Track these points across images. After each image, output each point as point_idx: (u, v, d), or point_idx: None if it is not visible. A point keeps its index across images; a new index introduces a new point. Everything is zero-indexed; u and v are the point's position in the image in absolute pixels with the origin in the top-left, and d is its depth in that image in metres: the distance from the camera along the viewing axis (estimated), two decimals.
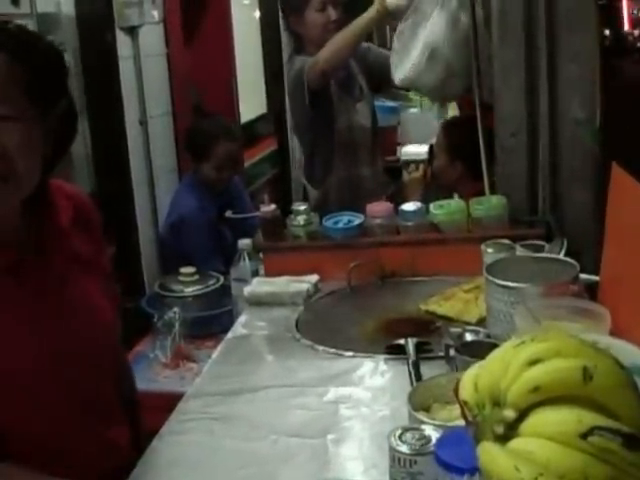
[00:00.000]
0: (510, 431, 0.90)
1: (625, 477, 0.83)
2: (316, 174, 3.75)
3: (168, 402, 2.38)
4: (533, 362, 0.91)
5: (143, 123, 3.60)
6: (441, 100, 3.37)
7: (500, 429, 0.90)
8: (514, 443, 0.89)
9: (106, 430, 1.53)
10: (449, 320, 2.11)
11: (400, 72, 2.87)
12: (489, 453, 0.88)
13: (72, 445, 1.45)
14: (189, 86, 3.88)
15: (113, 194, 3.40)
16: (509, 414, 0.90)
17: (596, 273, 1.85)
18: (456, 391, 1.06)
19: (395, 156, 4.75)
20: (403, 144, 4.67)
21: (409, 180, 3.42)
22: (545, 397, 0.89)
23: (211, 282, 3.22)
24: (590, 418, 0.85)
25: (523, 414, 0.90)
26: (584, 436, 0.84)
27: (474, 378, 0.99)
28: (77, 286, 1.49)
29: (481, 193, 2.56)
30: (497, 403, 0.94)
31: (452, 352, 1.72)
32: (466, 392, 0.99)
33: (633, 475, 0.83)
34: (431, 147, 3.44)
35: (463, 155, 3.14)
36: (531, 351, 0.93)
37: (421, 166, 3.45)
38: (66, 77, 1.42)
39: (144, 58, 3.65)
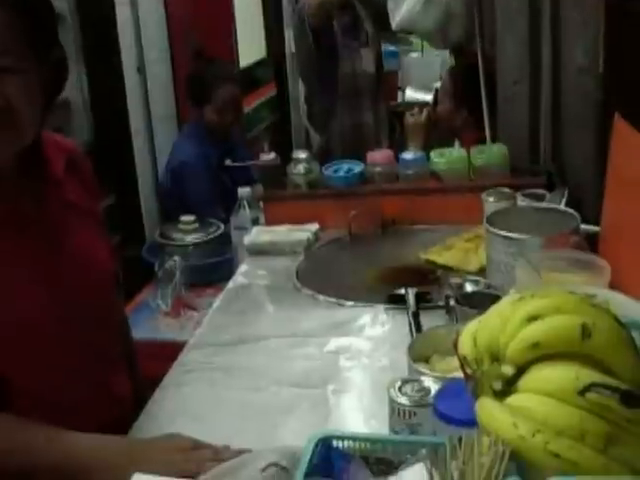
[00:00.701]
0: (508, 387, 0.91)
1: (622, 433, 0.84)
2: (319, 120, 3.74)
3: (170, 351, 2.40)
4: (532, 318, 0.92)
5: (141, 70, 3.56)
6: (442, 46, 3.33)
7: (498, 385, 0.91)
8: (512, 399, 0.89)
9: (108, 380, 1.54)
10: (449, 269, 2.11)
11: (397, 16, 2.84)
12: (487, 409, 0.89)
13: (74, 395, 1.46)
14: (187, 31, 3.83)
15: (111, 142, 3.38)
16: (507, 370, 0.91)
17: (597, 221, 1.85)
18: (455, 345, 1.06)
19: (396, 101, 4.72)
20: (404, 88, 4.64)
21: (412, 124, 3.40)
22: (543, 353, 0.90)
23: (211, 230, 3.21)
24: (588, 375, 0.86)
25: (521, 370, 0.91)
26: (582, 393, 0.85)
27: (473, 333, 1.00)
28: (75, 234, 1.50)
29: (483, 142, 2.54)
30: (496, 358, 0.94)
31: (452, 302, 1.73)
32: (465, 347, 1.00)
33: (629, 431, 0.84)
34: (436, 91, 3.43)
35: (469, 102, 3.12)
36: (530, 307, 0.93)
37: (424, 110, 3.43)
38: (57, 24, 1.41)
39: (141, 3, 3.59)
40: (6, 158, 1.38)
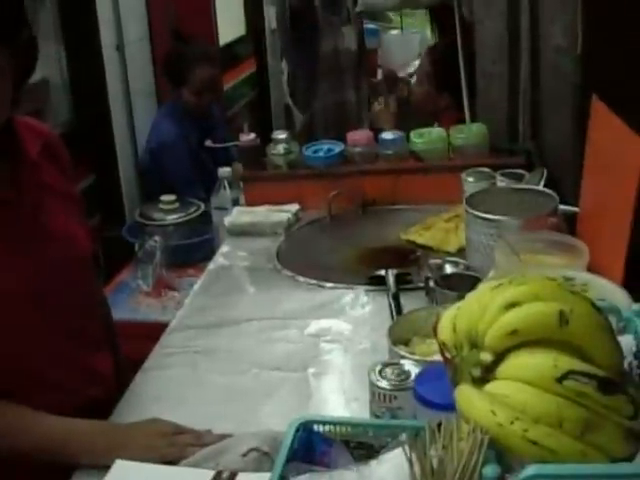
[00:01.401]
0: (487, 374, 0.92)
1: (599, 419, 0.85)
2: (302, 98, 3.73)
3: (151, 331, 2.40)
4: (510, 305, 0.93)
5: (120, 48, 3.53)
6: (415, 8, 3.34)
7: (477, 372, 0.92)
8: (491, 386, 0.90)
9: (90, 358, 1.55)
10: (429, 249, 2.13)
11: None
12: (466, 396, 0.90)
13: (58, 374, 1.47)
14: (167, 9, 3.80)
15: (91, 121, 3.36)
16: (486, 357, 0.92)
17: (576, 199, 1.85)
18: (435, 329, 1.07)
19: (376, 78, 4.71)
20: (384, 66, 4.63)
21: (379, 112, 3.40)
22: (522, 340, 0.91)
23: (192, 210, 3.19)
24: (566, 362, 0.87)
25: (500, 357, 0.92)
26: (559, 380, 0.86)
27: (452, 319, 1.01)
28: (53, 216, 1.50)
29: (462, 122, 2.54)
30: (475, 345, 0.95)
31: (431, 284, 1.74)
32: (444, 333, 1.01)
33: (606, 417, 0.85)
34: (411, 73, 3.42)
35: (451, 83, 3.11)
36: (509, 294, 0.94)
37: (391, 99, 3.42)
38: (24, 4, 1.40)
39: None
40: None
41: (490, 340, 0.92)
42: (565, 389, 0.85)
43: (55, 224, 1.49)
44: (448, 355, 1.00)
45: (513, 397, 0.87)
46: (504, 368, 0.90)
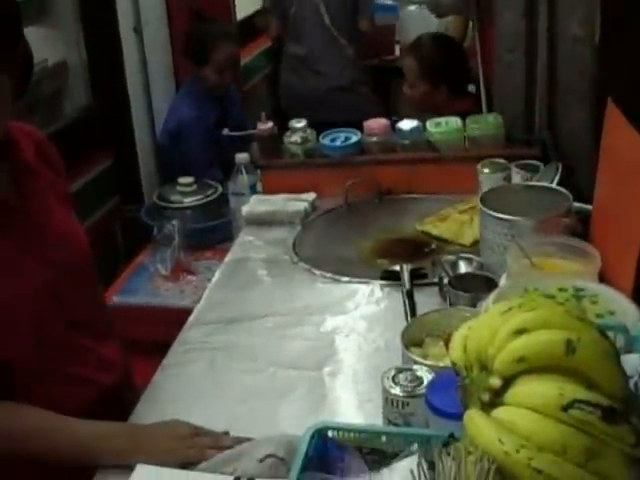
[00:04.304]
0: (496, 398, 0.95)
1: (603, 448, 0.88)
2: None
3: (170, 315, 2.46)
4: (519, 332, 0.95)
5: (137, 30, 3.54)
6: (437, 12, 3.34)
7: (486, 397, 0.95)
8: (499, 412, 0.93)
9: (101, 347, 1.60)
10: (444, 241, 2.15)
11: None
12: (475, 423, 0.93)
13: (72, 366, 1.52)
14: None
15: (109, 104, 3.38)
16: (495, 382, 0.94)
17: (591, 192, 1.86)
18: (447, 344, 1.10)
19: (393, 55, 4.71)
20: (402, 43, 4.61)
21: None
22: (530, 367, 0.93)
23: (210, 192, 3.24)
24: (572, 391, 0.90)
25: (509, 381, 0.95)
26: (565, 409, 0.88)
27: (463, 340, 1.03)
28: (53, 217, 1.54)
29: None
30: (484, 367, 0.98)
31: (445, 281, 1.77)
32: (455, 353, 1.03)
33: (611, 446, 0.88)
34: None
35: (446, 77, 3.12)
36: (518, 320, 0.97)
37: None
38: (20, 19, 1.41)
39: None
40: None
41: (499, 365, 0.95)
42: (570, 417, 0.88)
43: (57, 225, 1.54)
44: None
45: (519, 424, 0.90)
46: (512, 394, 0.93)
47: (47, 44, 3.18)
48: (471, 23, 2.85)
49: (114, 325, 1.73)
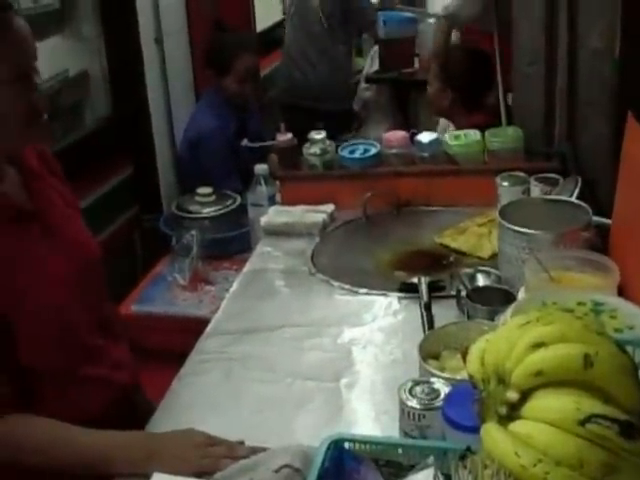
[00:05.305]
0: (513, 411, 0.94)
1: (620, 463, 0.88)
2: None
3: (188, 325, 2.47)
4: (537, 345, 0.95)
5: (159, 41, 3.56)
6: (455, 24, 3.37)
7: (504, 410, 0.94)
8: (516, 425, 0.93)
9: (114, 349, 1.64)
10: (462, 254, 2.15)
11: None
12: (492, 437, 0.93)
13: (90, 369, 1.56)
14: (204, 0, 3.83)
15: (130, 114, 3.41)
16: (512, 396, 0.94)
17: (611, 206, 1.85)
18: (464, 357, 1.10)
19: (412, 67, 4.71)
20: (421, 55, 4.62)
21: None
22: (547, 381, 0.93)
23: (228, 202, 3.24)
24: (589, 405, 0.89)
25: (526, 395, 0.94)
26: (582, 423, 0.88)
27: (481, 352, 1.03)
28: (66, 223, 1.59)
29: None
30: (502, 380, 0.98)
31: (463, 293, 1.76)
32: (472, 366, 1.03)
33: (628, 461, 0.88)
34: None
35: (454, 83, 3.18)
36: (536, 334, 0.96)
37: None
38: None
39: None
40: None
41: (516, 379, 0.94)
42: (587, 432, 0.88)
43: (69, 231, 1.59)
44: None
45: (536, 438, 0.89)
46: (529, 408, 0.93)
47: (69, 54, 3.22)
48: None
49: (127, 329, 1.78)
